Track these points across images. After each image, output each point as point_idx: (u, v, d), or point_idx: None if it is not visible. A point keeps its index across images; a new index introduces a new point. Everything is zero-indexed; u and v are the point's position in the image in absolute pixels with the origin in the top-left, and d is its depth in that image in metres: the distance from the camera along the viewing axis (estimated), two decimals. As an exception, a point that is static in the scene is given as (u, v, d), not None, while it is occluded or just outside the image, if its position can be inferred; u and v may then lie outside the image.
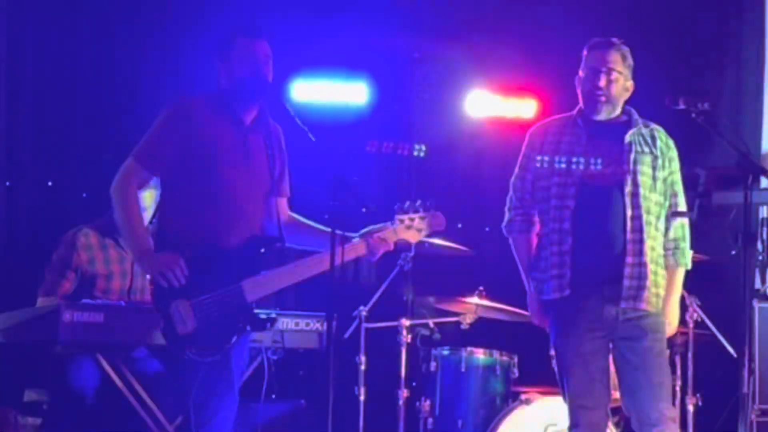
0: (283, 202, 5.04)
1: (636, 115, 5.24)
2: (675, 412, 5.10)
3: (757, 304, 6.65)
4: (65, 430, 5.60)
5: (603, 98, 5.17)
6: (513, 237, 5.36)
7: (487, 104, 8.09)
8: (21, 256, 6.92)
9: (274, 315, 4.88)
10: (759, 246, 7.36)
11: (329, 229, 4.83)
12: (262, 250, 4.82)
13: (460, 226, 7.94)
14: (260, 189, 4.88)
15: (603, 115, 5.20)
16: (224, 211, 4.75)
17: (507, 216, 5.38)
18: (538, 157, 5.25)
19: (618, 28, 7.99)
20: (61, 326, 5.15)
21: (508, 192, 5.38)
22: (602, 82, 5.16)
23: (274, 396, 5.97)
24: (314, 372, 6.85)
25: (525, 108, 8.12)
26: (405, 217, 4.96)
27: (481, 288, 6.69)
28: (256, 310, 4.82)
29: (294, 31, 7.81)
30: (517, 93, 8.11)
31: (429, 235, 5.12)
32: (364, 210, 5.21)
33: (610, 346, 5.14)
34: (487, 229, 8.23)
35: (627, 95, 5.24)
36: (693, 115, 4.90)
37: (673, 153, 5.22)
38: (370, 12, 7.93)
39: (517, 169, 5.36)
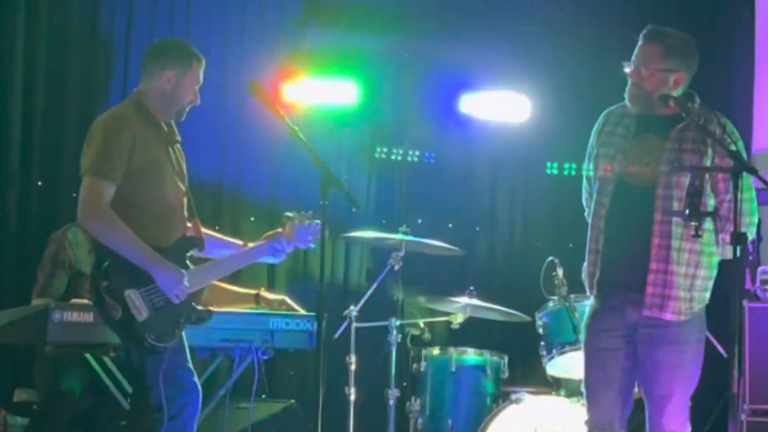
0: (192, 204, 5.17)
1: (696, 106, 4.91)
2: (680, 426, 4.96)
3: (747, 304, 6.66)
4: (54, 429, 5.59)
5: (634, 93, 4.96)
6: None
7: (478, 103, 8.08)
8: (10, 256, 6.90)
9: (212, 309, 5.03)
10: (749, 246, 7.36)
11: (227, 239, 5.31)
12: (192, 252, 5.01)
13: (450, 225, 7.94)
14: (181, 192, 5.04)
15: (638, 110, 4.98)
16: (162, 213, 4.91)
17: (585, 204, 5.21)
18: (596, 149, 5.08)
19: (610, 27, 8.08)
20: (50, 326, 5.13)
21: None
22: (634, 78, 4.97)
23: (264, 396, 5.97)
24: (304, 372, 6.87)
25: (516, 107, 8.12)
26: (297, 224, 5.28)
27: (471, 288, 6.68)
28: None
29: (285, 31, 7.82)
30: (508, 92, 8.10)
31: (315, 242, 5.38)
32: (354, 210, 5.22)
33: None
34: (477, 228, 8.24)
35: (676, 87, 4.95)
36: (683, 114, 4.87)
37: (732, 147, 4.79)
38: (361, 11, 7.94)
39: (586, 158, 5.18)
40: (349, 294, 7.20)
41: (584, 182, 5.20)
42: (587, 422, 5.05)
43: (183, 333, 4.93)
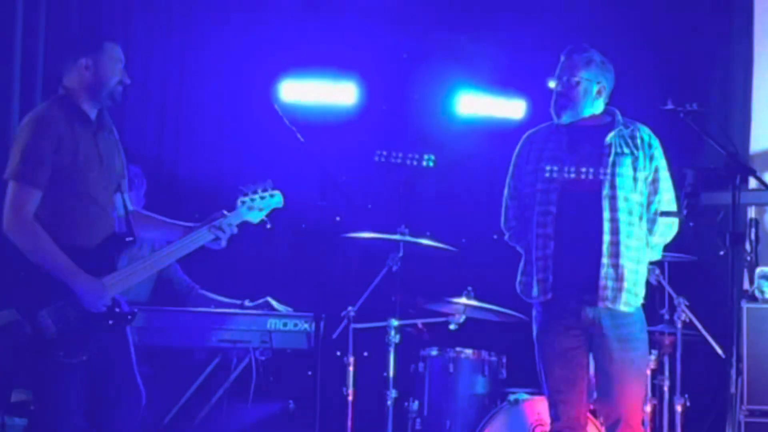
0: (126, 197, 5.07)
1: (618, 116, 5.37)
2: (636, 413, 5.27)
3: (744, 305, 6.66)
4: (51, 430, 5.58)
5: (561, 104, 5.37)
6: (519, 245, 5.55)
7: (477, 103, 8.09)
8: (5, 254, 6.89)
9: (135, 310, 4.93)
10: (747, 246, 7.37)
11: (172, 221, 5.11)
12: (128, 238, 4.91)
13: (448, 226, 7.93)
14: (111, 186, 4.95)
15: (567, 119, 5.36)
16: (86, 212, 4.82)
17: (506, 227, 5.56)
18: (525, 166, 5.43)
19: (607, 28, 8.07)
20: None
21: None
22: (560, 88, 5.37)
23: (262, 396, 5.97)
24: (302, 372, 6.86)
25: (514, 107, 8.12)
26: (246, 199, 5.13)
27: (469, 288, 6.68)
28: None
29: (283, 31, 7.81)
30: (507, 92, 8.11)
31: (269, 214, 5.23)
32: (352, 211, 5.21)
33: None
34: (476, 229, 8.22)
35: (599, 97, 5.36)
36: (681, 115, 4.93)
37: (657, 152, 5.32)
38: (360, 11, 7.93)
39: (508, 179, 5.53)
40: (347, 294, 7.18)
41: (506, 204, 5.54)
42: (556, 423, 5.29)
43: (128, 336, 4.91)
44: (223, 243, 5.09)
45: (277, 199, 5.19)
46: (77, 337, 4.71)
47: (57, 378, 4.71)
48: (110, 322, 4.78)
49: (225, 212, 5.06)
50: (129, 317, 4.88)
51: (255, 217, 5.15)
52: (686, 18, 8.13)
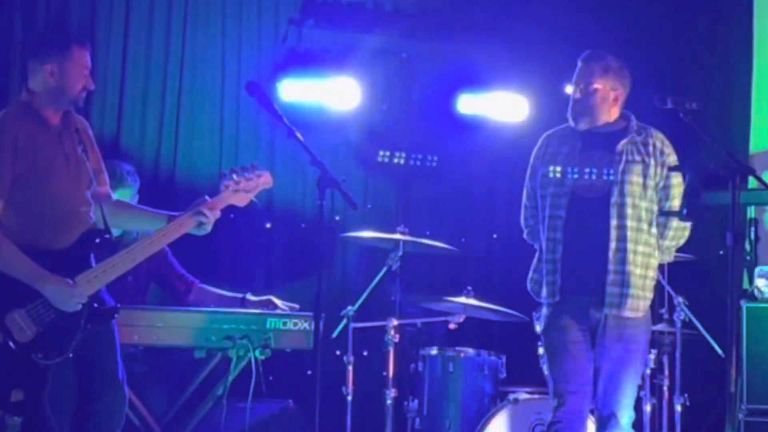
0: (105, 191, 5.04)
1: (633, 122, 5.41)
2: (625, 410, 5.31)
3: (744, 304, 6.66)
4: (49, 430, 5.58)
5: (578, 110, 5.41)
6: (536, 244, 5.59)
7: (477, 103, 8.08)
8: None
9: (119, 305, 4.88)
10: (747, 246, 7.37)
11: (154, 210, 5.07)
12: (97, 240, 4.84)
13: (448, 225, 7.93)
14: (82, 184, 4.88)
15: (584, 126, 5.41)
16: (55, 214, 4.77)
17: (524, 225, 5.63)
18: (540, 169, 5.47)
19: (608, 28, 8.07)
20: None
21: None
22: (578, 95, 5.41)
23: (262, 396, 5.96)
24: (302, 372, 6.87)
25: (514, 107, 8.11)
26: (230, 182, 5.04)
27: (469, 288, 6.68)
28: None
29: (283, 31, 7.81)
30: (507, 92, 8.10)
31: (257, 195, 5.15)
32: (352, 210, 5.21)
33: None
34: (475, 228, 8.22)
35: (615, 104, 5.41)
36: (681, 114, 4.93)
37: (670, 158, 5.36)
38: (360, 11, 7.93)
39: (526, 180, 5.58)
40: (346, 294, 7.19)
41: (524, 204, 5.61)
42: (558, 411, 5.32)
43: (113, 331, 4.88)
44: (208, 228, 5.02)
45: (264, 179, 5.13)
46: (55, 338, 4.67)
47: (38, 380, 4.69)
48: (87, 324, 4.73)
49: (207, 197, 5.02)
50: (113, 312, 4.84)
51: (241, 199, 5.09)
52: (686, 18, 8.13)
